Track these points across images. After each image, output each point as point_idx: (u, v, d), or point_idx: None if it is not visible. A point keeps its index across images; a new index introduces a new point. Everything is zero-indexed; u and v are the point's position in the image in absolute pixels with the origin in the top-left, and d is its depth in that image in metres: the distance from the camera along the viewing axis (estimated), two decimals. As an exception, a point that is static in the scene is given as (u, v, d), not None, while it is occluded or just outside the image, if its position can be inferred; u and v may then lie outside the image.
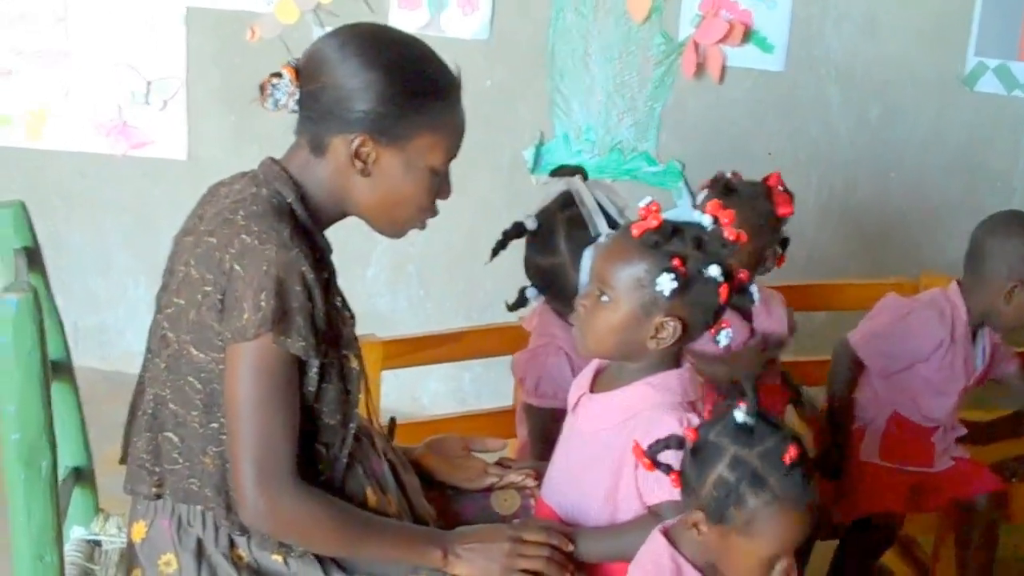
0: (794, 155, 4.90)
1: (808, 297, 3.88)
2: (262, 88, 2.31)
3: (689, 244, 2.35)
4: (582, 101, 4.93)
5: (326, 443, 2.37)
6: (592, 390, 2.57)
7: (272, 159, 2.40)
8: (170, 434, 2.36)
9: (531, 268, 3.11)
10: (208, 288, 2.25)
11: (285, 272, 2.20)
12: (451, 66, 2.40)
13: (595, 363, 2.61)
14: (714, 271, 2.34)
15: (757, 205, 3.25)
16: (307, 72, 2.32)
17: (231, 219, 2.27)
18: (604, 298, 2.39)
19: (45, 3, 4.98)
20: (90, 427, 2.88)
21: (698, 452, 2.23)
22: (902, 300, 3.56)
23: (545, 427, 2.99)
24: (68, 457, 2.80)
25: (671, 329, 2.37)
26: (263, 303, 2.18)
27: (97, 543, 2.82)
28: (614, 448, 2.46)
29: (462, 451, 2.80)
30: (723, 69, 4.82)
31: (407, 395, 5.10)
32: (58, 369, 2.69)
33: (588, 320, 2.44)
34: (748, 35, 4.76)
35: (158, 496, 2.39)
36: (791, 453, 2.16)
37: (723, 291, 2.35)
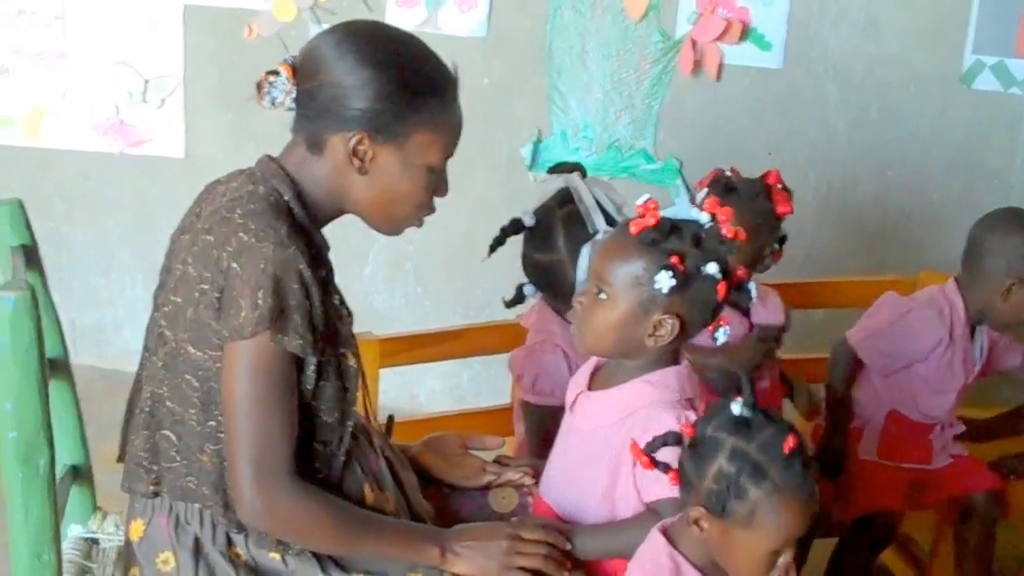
0: (792, 153, 4.90)
1: (807, 295, 3.88)
2: (259, 86, 2.31)
3: (687, 242, 2.35)
4: (580, 98, 4.93)
5: (324, 441, 2.37)
6: (590, 388, 2.57)
7: (269, 157, 2.40)
8: (168, 432, 2.36)
9: (529, 265, 3.10)
10: (205, 286, 2.25)
11: (282, 270, 2.20)
12: (448, 64, 2.40)
13: (593, 360, 2.61)
14: (712, 269, 2.34)
15: (757, 204, 3.25)
16: (304, 70, 2.32)
17: (228, 217, 2.27)
18: (602, 296, 2.39)
19: (43, 2, 4.97)
20: (88, 425, 2.88)
21: (696, 447, 2.23)
22: (901, 299, 3.56)
23: (542, 424, 3.00)
24: (66, 455, 2.80)
25: (669, 327, 2.38)
26: (261, 301, 2.18)
27: (95, 541, 2.82)
28: (612, 446, 2.46)
29: (460, 449, 2.80)
30: (720, 67, 4.82)
31: (405, 393, 5.10)
32: (55, 367, 2.69)
33: (586, 318, 2.44)
34: (746, 33, 4.76)
35: (156, 494, 2.39)
36: (790, 443, 2.16)
37: (721, 288, 2.35)
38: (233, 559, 2.36)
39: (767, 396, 3.31)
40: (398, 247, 4.97)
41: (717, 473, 2.18)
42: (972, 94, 4.82)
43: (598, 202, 2.95)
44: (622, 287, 2.37)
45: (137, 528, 2.42)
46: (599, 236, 2.80)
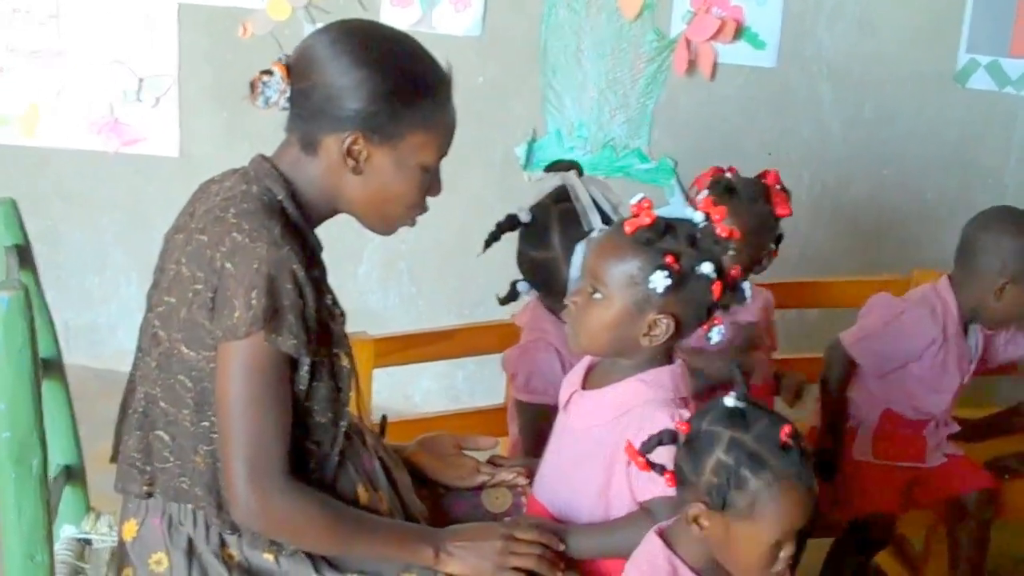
0: (786, 152, 4.90)
1: (801, 294, 3.88)
2: (252, 85, 2.31)
3: (682, 241, 2.36)
4: (574, 98, 4.93)
5: (317, 441, 2.37)
6: (584, 387, 2.57)
7: (263, 156, 2.40)
8: (161, 433, 2.35)
9: (523, 261, 3.10)
10: (199, 286, 2.25)
11: (276, 270, 2.20)
12: (442, 63, 2.40)
13: (586, 360, 2.61)
14: (707, 268, 2.34)
15: (756, 206, 3.25)
16: (298, 70, 2.31)
17: (222, 217, 2.27)
18: (597, 295, 2.39)
19: (37, 1, 4.97)
20: (81, 425, 2.88)
21: (693, 443, 2.23)
22: (893, 299, 3.56)
23: (536, 423, 2.99)
24: (59, 455, 2.80)
25: (664, 326, 2.38)
26: (254, 301, 2.18)
27: (88, 542, 2.82)
28: (606, 445, 2.46)
29: (454, 449, 2.80)
30: (715, 66, 4.82)
31: (399, 393, 5.09)
32: (49, 367, 2.69)
33: (580, 317, 2.44)
34: (740, 32, 4.76)
35: (149, 495, 2.39)
36: (786, 431, 2.17)
37: (716, 288, 2.35)
38: (226, 560, 2.36)
39: (758, 394, 3.31)
40: (392, 247, 4.97)
41: (716, 465, 2.18)
42: (966, 93, 4.82)
43: (594, 201, 2.95)
44: (617, 286, 2.37)
45: (130, 528, 2.42)
46: (594, 234, 2.80)
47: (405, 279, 5.22)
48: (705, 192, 3.24)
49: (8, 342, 2.13)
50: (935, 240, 4.49)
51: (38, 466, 2.23)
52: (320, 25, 2.44)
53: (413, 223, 2.48)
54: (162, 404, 2.34)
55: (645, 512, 2.43)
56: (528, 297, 3.16)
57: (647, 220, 2.35)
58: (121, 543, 2.46)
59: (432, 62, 2.38)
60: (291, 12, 4.84)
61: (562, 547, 2.46)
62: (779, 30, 4.78)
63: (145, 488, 2.39)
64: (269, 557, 2.36)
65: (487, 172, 4.97)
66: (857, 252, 4.99)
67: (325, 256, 2.44)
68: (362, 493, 2.44)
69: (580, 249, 2.79)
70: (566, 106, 4.94)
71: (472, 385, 5.19)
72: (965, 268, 3.45)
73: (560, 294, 2.78)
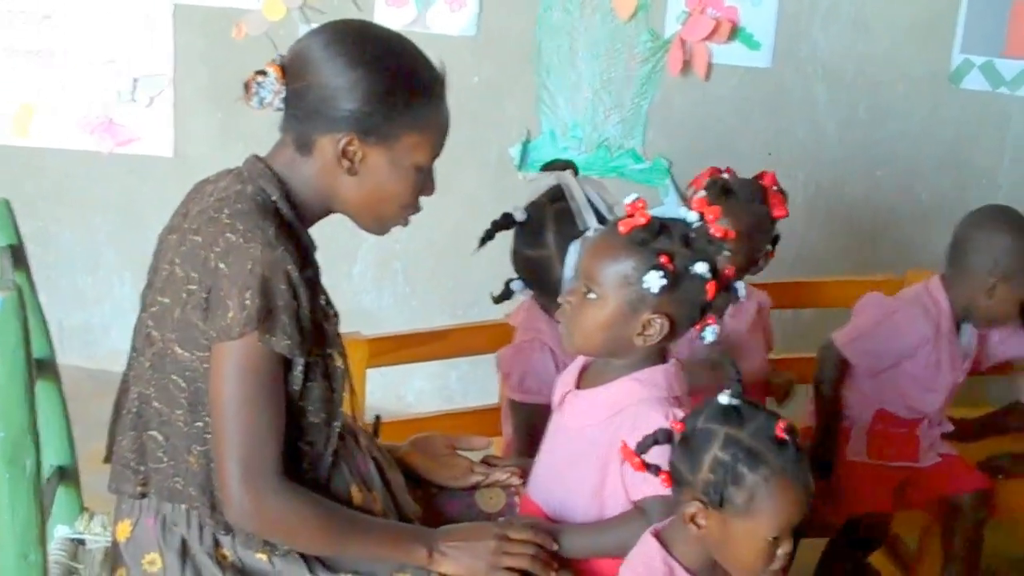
0: (781, 153, 4.90)
1: (795, 294, 3.88)
2: (247, 86, 2.30)
3: (677, 241, 2.36)
4: (569, 98, 4.93)
5: (311, 441, 2.37)
6: (578, 386, 2.58)
7: (257, 156, 2.40)
8: (155, 433, 2.35)
9: (518, 260, 3.10)
10: (193, 287, 2.24)
11: (270, 271, 2.20)
12: (436, 63, 2.39)
13: (580, 359, 2.61)
14: (701, 268, 2.34)
15: (753, 208, 3.25)
16: (293, 70, 2.31)
17: (216, 217, 2.27)
18: (591, 295, 2.39)
19: (31, 1, 4.96)
20: (75, 425, 2.88)
21: (688, 441, 2.24)
22: (885, 298, 3.56)
23: (530, 423, 3.00)
24: (52, 456, 2.80)
25: (658, 326, 2.38)
26: (248, 302, 2.18)
27: (81, 542, 2.81)
28: (600, 444, 2.46)
29: (447, 449, 2.80)
30: (709, 66, 4.82)
31: (392, 393, 5.09)
32: (42, 367, 2.68)
33: (575, 317, 2.44)
34: (734, 32, 4.76)
35: (143, 495, 2.39)
36: (781, 426, 2.17)
37: (710, 288, 2.35)
38: (220, 560, 2.36)
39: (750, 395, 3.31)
40: (386, 246, 4.97)
41: (712, 463, 2.19)
42: (961, 93, 4.82)
43: (590, 201, 2.95)
44: (611, 286, 2.37)
45: (124, 529, 2.42)
46: (589, 234, 2.80)
47: (399, 279, 5.22)
48: (702, 192, 3.24)
49: (1, 342, 2.12)
50: (929, 240, 4.49)
51: (31, 466, 2.22)
52: (315, 25, 2.43)
53: (406, 223, 2.48)
54: (156, 404, 2.34)
55: (639, 511, 2.43)
56: (522, 296, 3.17)
57: (642, 220, 2.35)
58: (115, 543, 2.46)
59: (426, 63, 2.38)
60: (286, 12, 4.84)
61: (556, 547, 2.46)
62: (774, 31, 4.78)
63: (139, 488, 2.39)
64: (263, 557, 2.36)
65: (481, 172, 4.97)
66: (852, 252, 4.99)
67: (319, 256, 2.44)
68: (356, 493, 2.44)
69: (575, 248, 2.79)
70: (560, 106, 4.94)
71: (465, 385, 5.19)
72: (957, 267, 3.46)
73: (554, 293, 2.79)
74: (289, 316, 2.23)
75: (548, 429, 2.66)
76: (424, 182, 2.42)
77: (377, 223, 2.46)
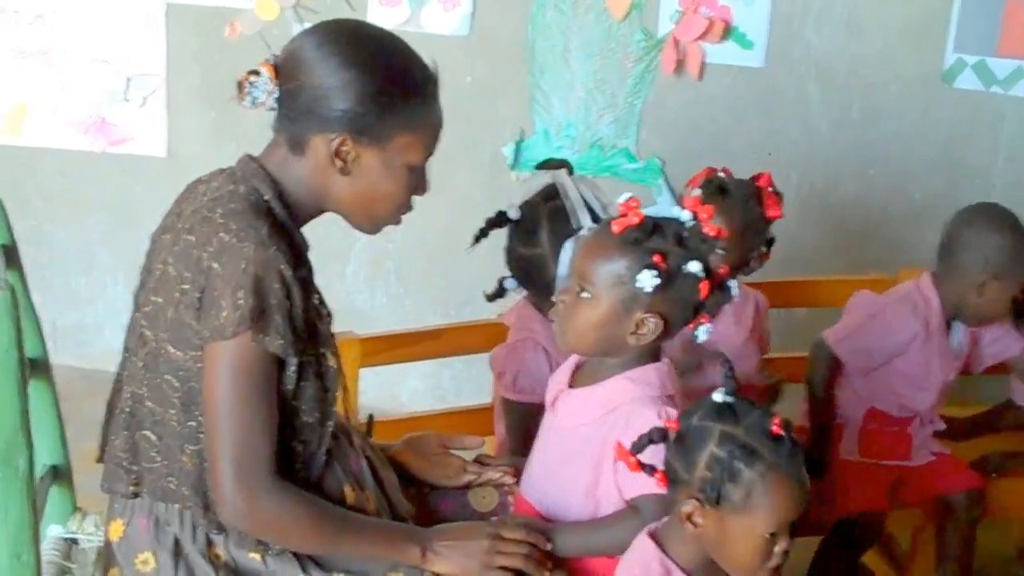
0: (774, 152, 4.90)
1: (788, 294, 3.88)
2: (240, 86, 2.31)
3: (670, 240, 2.36)
4: (562, 97, 4.93)
5: (304, 441, 2.36)
6: (571, 385, 2.58)
7: (250, 156, 2.40)
8: (148, 432, 2.35)
9: (512, 258, 3.10)
10: (186, 286, 2.24)
11: (263, 270, 2.20)
12: (429, 63, 2.40)
13: (573, 358, 2.61)
14: (695, 267, 2.34)
15: (748, 208, 3.25)
16: (286, 70, 2.31)
17: (209, 217, 2.27)
18: (584, 294, 2.40)
19: (23, 0, 4.96)
20: (68, 425, 2.88)
21: (683, 439, 2.24)
22: (874, 296, 3.57)
23: (523, 422, 3.00)
24: (45, 455, 2.80)
25: (652, 325, 2.38)
26: (241, 301, 2.18)
27: (74, 541, 2.81)
28: (594, 443, 2.47)
29: (440, 448, 2.80)
30: (702, 66, 4.82)
31: (386, 392, 5.09)
32: (35, 367, 2.68)
33: (568, 316, 2.44)
34: (728, 32, 4.76)
35: (136, 495, 2.39)
36: (776, 422, 2.18)
37: (703, 287, 2.36)
38: (213, 560, 2.36)
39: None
40: (379, 246, 4.97)
41: (709, 459, 2.19)
42: (954, 93, 4.82)
43: (584, 200, 2.95)
44: (605, 286, 2.38)
45: (117, 528, 2.42)
46: (583, 233, 2.80)
47: (392, 279, 5.22)
48: (696, 191, 3.24)
49: (-6, 342, 2.13)
50: (923, 240, 4.48)
51: (24, 466, 2.22)
52: (308, 25, 2.44)
53: (399, 222, 2.48)
54: (149, 404, 2.34)
55: (632, 510, 2.44)
56: (515, 294, 3.17)
57: (635, 219, 2.35)
58: (107, 543, 2.46)
59: (419, 63, 2.38)
60: (279, 12, 4.84)
61: (549, 546, 2.47)
62: (767, 30, 4.78)
63: (132, 488, 2.38)
64: (256, 557, 2.36)
65: (475, 172, 4.97)
66: (845, 252, 4.99)
67: (312, 255, 2.44)
68: (349, 493, 2.44)
69: (568, 247, 2.79)
70: (554, 106, 4.94)
71: (458, 385, 5.19)
72: (947, 264, 3.46)
73: (547, 291, 2.80)
74: (282, 316, 2.23)
75: (541, 428, 2.66)
76: (417, 182, 2.42)
77: (370, 222, 2.46)
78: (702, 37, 4.75)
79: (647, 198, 2.44)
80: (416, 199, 2.46)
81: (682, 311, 2.40)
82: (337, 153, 2.31)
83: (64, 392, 2.86)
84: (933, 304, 3.47)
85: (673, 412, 2.38)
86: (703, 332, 2.43)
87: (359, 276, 5.20)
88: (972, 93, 4.80)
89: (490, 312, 3.29)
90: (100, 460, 2.48)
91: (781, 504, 2.18)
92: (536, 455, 2.66)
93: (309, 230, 2.43)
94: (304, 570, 2.37)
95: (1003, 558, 4.21)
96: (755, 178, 3.33)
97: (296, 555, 2.37)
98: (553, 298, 2.51)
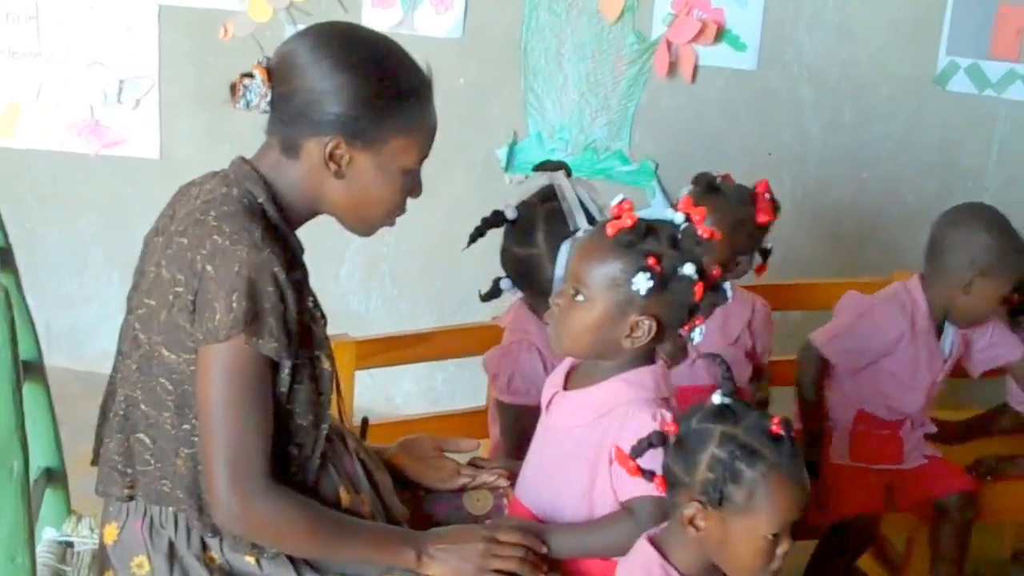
0: (768, 154, 4.90)
1: (782, 297, 3.88)
2: (233, 88, 2.30)
3: (664, 243, 2.36)
4: (555, 100, 4.93)
5: (298, 444, 2.36)
6: (566, 387, 2.58)
7: (243, 158, 2.39)
8: (142, 435, 2.35)
9: (507, 258, 3.10)
10: (179, 289, 2.24)
11: (257, 273, 2.20)
12: (422, 65, 2.39)
13: (568, 361, 2.61)
14: (689, 270, 2.34)
15: (736, 207, 3.25)
16: (279, 73, 2.31)
17: (202, 220, 2.27)
18: (579, 297, 2.40)
19: (16, 1, 4.95)
20: (63, 427, 2.87)
21: (683, 442, 2.24)
22: (862, 296, 3.58)
23: (517, 424, 3.00)
24: (40, 458, 2.79)
25: (646, 328, 2.38)
26: (235, 304, 2.18)
27: (69, 544, 2.80)
28: (588, 445, 2.47)
29: (435, 451, 2.80)
30: (695, 68, 4.82)
31: (380, 395, 5.09)
32: (30, 369, 2.68)
33: (563, 319, 2.44)
34: (721, 34, 4.76)
35: (130, 498, 2.39)
36: (776, 422, 2.19)
37: (698, 289, 2.35)
38: (208, 563, 2.36)
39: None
40: (374, 248, 4.97)
41: (710, 461, 2.20)
42: (946, 96, 4.83)
43: (581, 202, 2.95)
44: (599, 289, 2.38)
45: (111, 532, 2.42)
46: (579, 235, 2.80)
47: (387, 281, 5.22)
48: (687, 188, 3.24)
49: (-11, 344, 2.13)
50: (916, 243, 4.48)
51: (19, 468, 2.22)
52: (301, 27, 2.43)
53: (393, 224, 2.48)
54: (143, 407, 2.34)
55: (627, 512, 2.44)
56: (510, 295, 3.17)
57: (628, 222, 2.35)
58: (102, 546, 2.46)
59: (413, 66, 2.38)
60: (272, 14, 4.84)
61: (544, 549, 2.46)
62: (760, 33, 4.79)
63: (126, 491, 2.38)
64: (251, 560, 2.36)
65: (468, 174, 4.97)
66: (838, 255, 5.00)
67: (306, 258, 2.43)
68: (344, 495, 2.44)
69: (565, 248, 2.79)
70: (547, 108, 4.94)
71: (453, 387, 5.19)
72: (935, 264, 3.47)
73: (542, 292, 2.80)
74: (276, 318, 2.22)
75: (536, 430, 2.66)
76: (411, 184, 2.42)
77: (364, 225, 2.46)
78: (695, 40, 4.76)
79: (641, 200, 2.44)
80: (410, 201, 2.46)
81: (677, 313, 2.40)
82: (331, 156, 2.31)
83: (58, 394, 2.86)
84: (920, 305, 3.48)
85: (668, 414, 2.38)
86: (698, 334, 2.43)
87: (354, 278, 5.20)
88: (965, 96, 4.81)
89: (485, 315, 3.29)
90: (95, 463, 2.48)
91: (783, 504, 2.19)
92: (531, 457, 2.66)
93: (303, 232, 2.43)
94: (299, 573, 2.37)
95: (997, 561, 4.22)
96: (756, 185, 3.32)
97: (291, 559, 2.37)
98: (550, 300, 2.51)
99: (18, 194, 5.12)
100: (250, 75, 2.30)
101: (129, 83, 5.03)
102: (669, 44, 4.78)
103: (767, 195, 3.30)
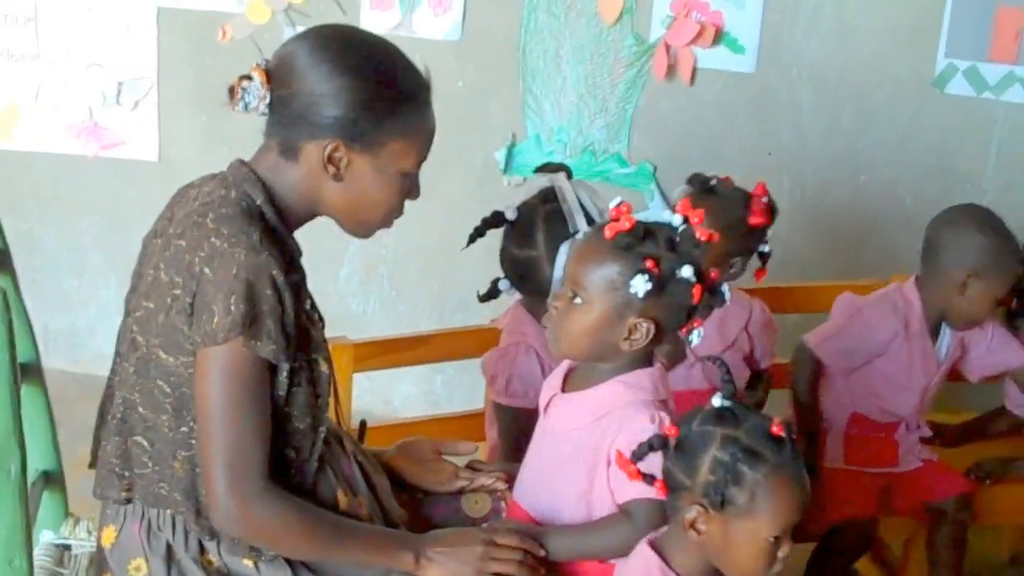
0: (766, 157, 4.90)
1: (780, 299, 3.88)
2: (231, 91, 2.30)
3: (662, 245, 2.36)
4: (554, 102, 4.93)
5: (296, 447, 2.36)
6: (563, 389, 2.58)
7: (241, 161, 2.39)
8: (140, 438, 2.35)
9: (506, 259, 3.10)
10: (177, 291, 2.24)
11: (255, 275, 2.19)
12: (421, 68, 2.39)
13: (566, 363, 2.61)
14: (687, 272, 2.34)
15: (730, 208, 3.24)
16: (278, 76, 2.31)
17: (200, 222, 2.26)
18: (577, 300, 2.40)
19: (14, 3, 4.95)
20: (60, 429, 2.88)
21: (684, 445, 2.24)
22: (855, 297, 3.58)
23: (514, 426, 3.00)
24: (38, 460, 2.79)
25: (644, 330, 2.38)
26: (233, 307, 2.18)
27: (67, 547, 2.81)
28: (586, 447, 2.47)
29: (433, 454, 2.79)
30: (694, 70, 4.82)
31: (379, 397, 5.09)
32: (27, 371, 2.68)
33: (561, 322, 2.44)
34: (719, 36, 4.76)
35: (128, 500, 2.39)
36: (776, 424, 2.19)
37: (696, 292, 2.35)
38: (205, 566, 2.36)
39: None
40: (373, 251, 4.98)
41: (712, 463, 2.20)
42: (945, 98, 4.82)
43: (581, 204, 2.95)
44: (597, 291, 2.38)
45: (109, 534, 2.42)
46: (579, 236, 2.80)
47: (385, 283, 5.22)
48: (683, 188, 3.24)
49: (-14, 346, 2.13)
50: (914, 245, 4.48)
51: (17, 471, 2.22)
52: (300, 29, 2.43)
53: (390, 226, 2.48)
54: (140, 409, 2.34)
55: (624, 514, 2.43)
56: (508, 297, 3.17)
57: (626, 224, 2.35)
58: (100, 549, 2.46)
59: (412, 69, 2.38)
60: (271, 16, 4.83)
61: (543, 552, 2.46)
62: (758, 35, 4.78)
63: (124, 494, 2.38)
64: (248, 563, 2.35)
65: (467, 177, 4.96)
66: (836, 257, 5.00)
67: (305, 260, 2.43)
68: (342, 498, 2.44)
69: (564, 250, 2.79)
70: (545, 111, 4.94)
71: (451, 390, 5.19)
72: (930, 266, 3.47)
73: (541, 293, 2.80)
74: (274, 321, 2.22)
75: (534, 433, 2.66)
76: (410, 187, 2.42)
77: (362, 228, 2.46)
78: (693, 42, 4.75)
79: (639, 203, 2.44)
80: (408, 204, 2.46)
81: (675, 315, 2.40)
82: (330, 159, 2.31)
83: (56, 396, 2.86)
84: (915, 306, 3.48)
85: (666, 416, 2.38)
86: (696, 336, 2.43)
87: (352, 280, 5.20)
88: (963, 98, 4.81)
89: (483, 317, 3.28)
90: (92, 466, 2.48)
91: (784, 506, 2.19)
92: (529, 460, 2.66)
93: (302, 234, 2.43)
94: (296, 577, 2.38)
95: (995, 564, 4.22)
96: (754, 188, 3.32)
97: (289, 562, 2.37)
98: (548, 302, 2.51)
99: (16, 196, 5.12)
100: (249, 77, 2.30)
101: (128, 85, 5.03)
102: (667, 46, 4.78)
103: (763, 198, 3.29)
